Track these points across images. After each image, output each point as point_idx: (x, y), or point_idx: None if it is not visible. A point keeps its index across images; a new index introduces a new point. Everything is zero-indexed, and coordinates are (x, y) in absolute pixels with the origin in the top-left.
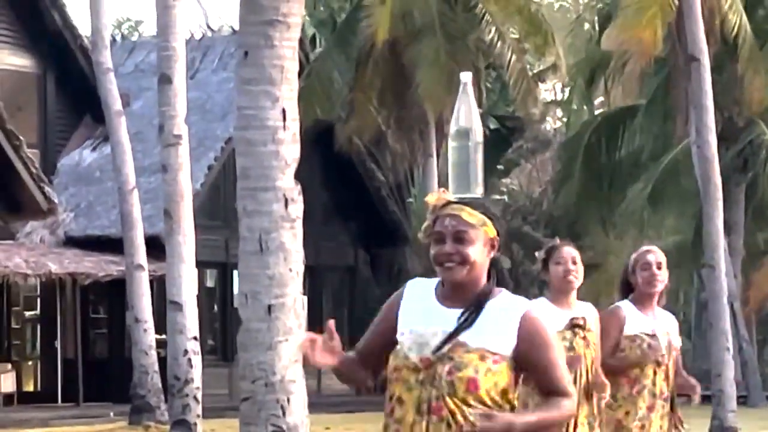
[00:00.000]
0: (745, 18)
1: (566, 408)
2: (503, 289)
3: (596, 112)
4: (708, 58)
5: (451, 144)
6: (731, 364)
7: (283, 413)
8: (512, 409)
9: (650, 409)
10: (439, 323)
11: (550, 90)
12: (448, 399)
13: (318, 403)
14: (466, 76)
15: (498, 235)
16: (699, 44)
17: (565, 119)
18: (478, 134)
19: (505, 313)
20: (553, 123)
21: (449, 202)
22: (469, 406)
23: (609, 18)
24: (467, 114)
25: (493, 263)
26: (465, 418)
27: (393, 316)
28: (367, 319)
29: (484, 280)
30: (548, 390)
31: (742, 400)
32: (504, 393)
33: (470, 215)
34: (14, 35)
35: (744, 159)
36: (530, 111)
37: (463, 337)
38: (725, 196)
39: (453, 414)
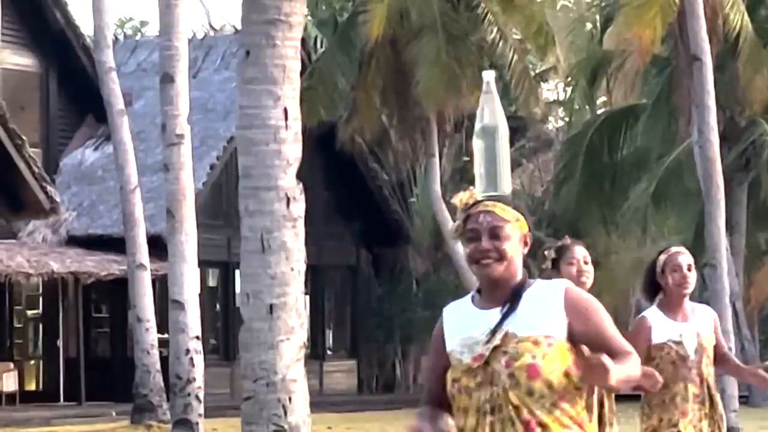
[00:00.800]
0: (747, 17)
1: (638, 364)
2: (536, 279)
3: (598, 112)
4: (710, 57)
5: (477, 142)
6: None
7: (285, 412)
8: (581, 396)
9: (683, 414)
10: (483, 323)
11: (552, 90)
12: (511, 393)
13: (320, 402)
14: (488, 75)
15: (529, 230)
16: (701, 44)
17: (567, 119)
18: (503, 132)
19: (546, 297)
20: (555, 123)
21: (480, 200)
22: (533, 399)
23: (610, 17)
24: (492, 112)
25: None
26: (531, 412)
27: (441, 345)
28: (370, 318)
29: (519, 276)
30: (612, 355)
31: (744, 400)
32: (567, 375)
33: (504, 211)
34: (17, 34)
35: (746, 159)
36: (532, 111)
37: (510, 328)
38: (727, 195)
39: (517, 409)
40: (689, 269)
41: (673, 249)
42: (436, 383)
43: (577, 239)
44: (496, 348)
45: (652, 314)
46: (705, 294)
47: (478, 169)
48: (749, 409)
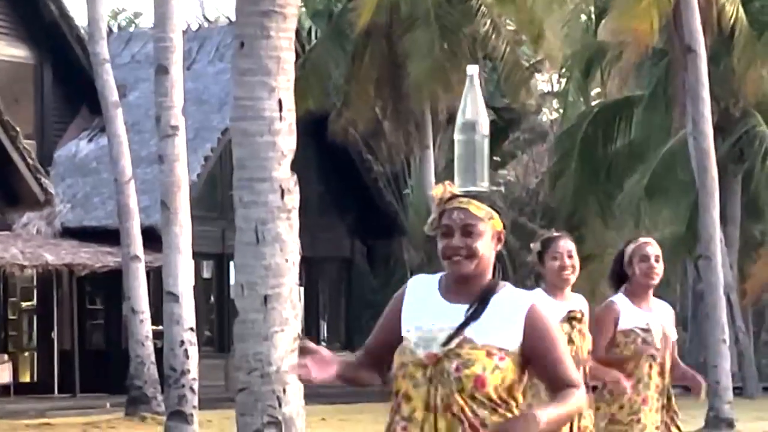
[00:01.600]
0: (741, 9)
1: (580, 399)
2: (507, 283)
3: (593, 103)
4: (704, 49)
5: (457, 137)
6: (727, 355)
7: (279, 404)
8: (517, 404)
9: (644, 402)
10: (445, 319)
11: (546, 81)
12: (456, 396)
13: (314, 394)
14: (472, 69)
15: (504, 228)
16: (695, 35)
17: (561, 110)
18: (484, 127)
19: (510, 308)
20: (549, 114)
21: (456, 195)
22: (477, 402)
23: (605, 9)
24: (473, 107)
25: (497, 257)
26: (474, 413)
27: (397, 313)
28: (364, 310)
29: (489, 274)
30: (557, 383)
31: (738, 392)
32: (510, 389)
33: (478, 208)
34: (11, 26)
35: (740, 150)
36: (526, 102)
37: (469, 333)
38: (721, 187)
39: (462, 410)
40: (657, 260)
41: (642, 239)
42: (378, 341)
43: (570, 231)
44: (450, 349)
45: (620, 300)
46: (699, 286)
47: (458, 163)
48: (743, 400)
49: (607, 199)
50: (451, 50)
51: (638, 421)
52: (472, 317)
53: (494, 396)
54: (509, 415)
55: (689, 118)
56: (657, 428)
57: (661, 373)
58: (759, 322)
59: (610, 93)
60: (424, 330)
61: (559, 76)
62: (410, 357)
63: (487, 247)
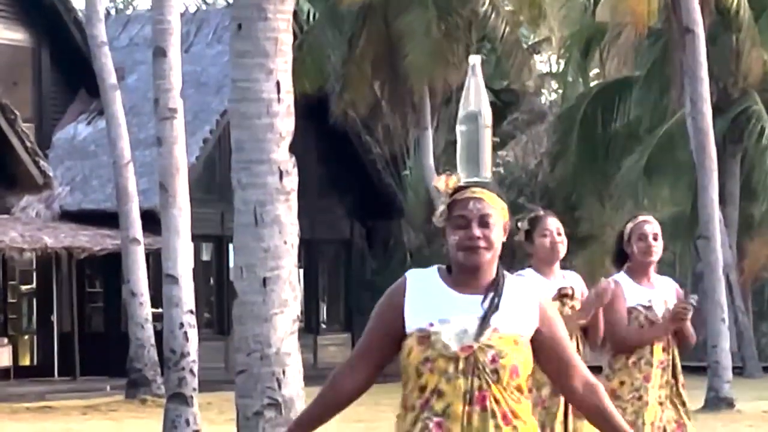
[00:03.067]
0: None
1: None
2: (504, 271)
3: (592, 84)
4: (702, 29)
5: (460, 127)
6: (727, 335)
7: (279, 386)
8: (528, 391)
9: (646, 379)
10: (465, 311)
11: (545, 62)
12: (493, 387)
13: (314, 376)
14: (474, 59)
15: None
16: (693, 15)
17: (560, 91)
18: (486, 118)
19: (522, 296)
20: (548, 95)
21: (466, 186)
22: (508, 392)
23: None
24: (476, 97)
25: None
26: (506, 404)
27: (398, 310)
28: (364, 292)
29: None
30: (568, 369)
31: (738, 371)
32: (529, 376)
33: (491, 199)
34: (8, 9)
35: (739, 130)
36: (525, 83)
37: (494, 323)
38: (720, 167)
39: (497, 402)
40: (655, 238)
41: (641, 218)
42: (378, 346)
43: (569, 212)
44: (484, 341)
45: (622, 278)
46: (698, 266)
47: (461, 154)
48: (743, 380)
49: (606, 180)
50: (448, 31)
51: (639, 398)
52: (492, 307)
53: (523, 385)
54: (527, 403)
55: (687, 99)
56: (661, 404)
57: (666, 349)
58: (759, 302)
59: (608, 73)
60: (452, 323)
61: (558, 57)
62: (441, 351)
63: (499, 238)
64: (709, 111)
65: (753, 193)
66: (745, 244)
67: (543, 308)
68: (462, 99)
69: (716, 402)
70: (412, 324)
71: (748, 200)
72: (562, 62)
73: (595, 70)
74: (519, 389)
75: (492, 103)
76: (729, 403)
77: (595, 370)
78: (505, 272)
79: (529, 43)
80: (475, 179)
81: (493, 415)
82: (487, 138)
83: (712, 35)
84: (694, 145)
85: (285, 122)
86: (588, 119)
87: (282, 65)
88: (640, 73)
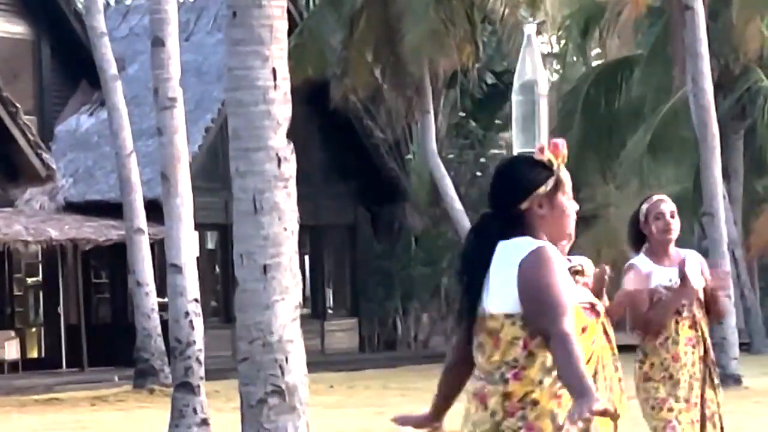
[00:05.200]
0: None
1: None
2: None
3: (593, 64)
4: (702, 6)
5: (516, 98)
6: (733, 311)
7: (282, 373)
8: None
9: (674, 358)
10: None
11: (545, 43)
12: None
13: (321, 362)
14: (530, 28)
15: None
16: None
17: (561, 71)
18: (543, 87)
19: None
20: (550, 75)
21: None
22: None
23: None
24: (532, 66)
25: None
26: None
27: None
28: (370, 277)
29: None
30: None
31: (745, 348)
32: None
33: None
34: (7, 2)
35: (742, 106)
36: None
37: None
38: (723, 144)
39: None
40: (672, 216)
41: (655, 197)
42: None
43: (575, 192)
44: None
45: (641, 261)
46: (704, 243)
47: (516, 124)
48: (750, 356)
49: (610, 159)
50: (447, 13)
51: (670, 377)
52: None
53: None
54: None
55: (689, 76)
56: (696, 380)
57: (693, 326)
58: (765, 278)
59: (609, 53)
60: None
61: (558, 38)
62: (587, 320)
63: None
64: (710, 88)
65: (758, 170)
66: (751, 221)
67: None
68: (517, 69)
69: (723, 378)
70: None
71: (753, 177)
72: (562, 43)
73: (596, 50)
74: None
75: (494, 85)
76: (736, 380)
77: (628, 349)
78: None
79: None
80: (531, 150)
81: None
82: (543, 107)
83: (712, 12)
84: (696, 123)
85: (282, 109)
86: (591, 99)
87: (277, 52)
88: (642, 52)
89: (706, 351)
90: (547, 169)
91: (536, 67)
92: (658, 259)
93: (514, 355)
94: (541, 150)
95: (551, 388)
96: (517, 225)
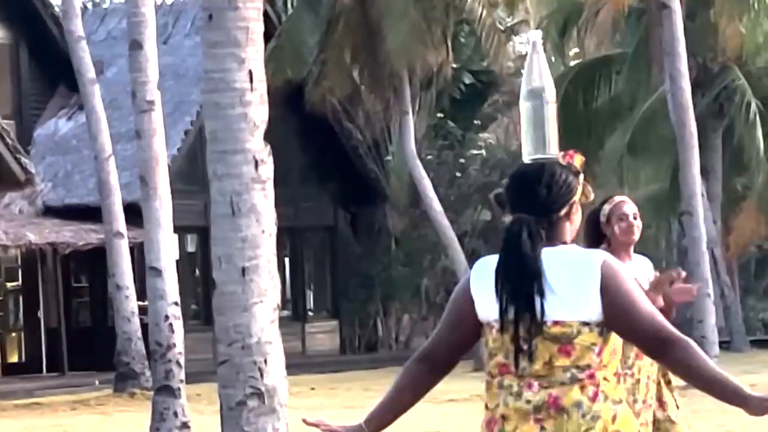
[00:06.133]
0: None
1: None
2: None
3: (571, 64)
4: (679, 4)
5: (524, 104)
6: (712, 310)
7: (261, 375)
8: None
9: (638, 356)
10: None
11: (524, 43)
12: None
13: (303, 363)
14: (535, 35)
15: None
16: None
17: None
18: (550, 93)
19: None
20: None
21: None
22: None
23: None
24: (540, 73)
25: None
26: None
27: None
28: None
29: None
30: None
31: (726, 346)
32: None
33: None
34: None
35: (720, 105)
36: (504, 65)
37: None
38: (702, 142)
39: None
40: (635, 217)
41: (617, 198)
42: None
43: None
44: None
45: None
46: (683, 241)
47: (526, 132)
48: (730, 354)
49: (589, 159)
50: (425, 13)
51: (632, 375)
52: None
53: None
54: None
55: (667, 75)
56: (654, 381)
57: None
58: (745, 276)
59: (587, 52)
60: None
61: None
62: None
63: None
64: (688, 87)
65: (738, 168)
66: (730, 219)
67: None
68: (524, 75)
69: None
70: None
71: (733, 175)
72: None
73: (575, 50)
74: None
75: (472, 85)
76: None
77: None
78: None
79: (507, 24)
80: (541, 156)
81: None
82: (552, 114)
83: (690, 11)
84: (675, 121)
85: (258, 111)
86: (569, 98)
87: (254, 54)
88: (620, 51)
89: None
90: (575, 175)
91: (543, 73)
92: (619, 260)
93: (588, 360)
94: (571, 156)
95: (617, 387)
96: (556, 231)
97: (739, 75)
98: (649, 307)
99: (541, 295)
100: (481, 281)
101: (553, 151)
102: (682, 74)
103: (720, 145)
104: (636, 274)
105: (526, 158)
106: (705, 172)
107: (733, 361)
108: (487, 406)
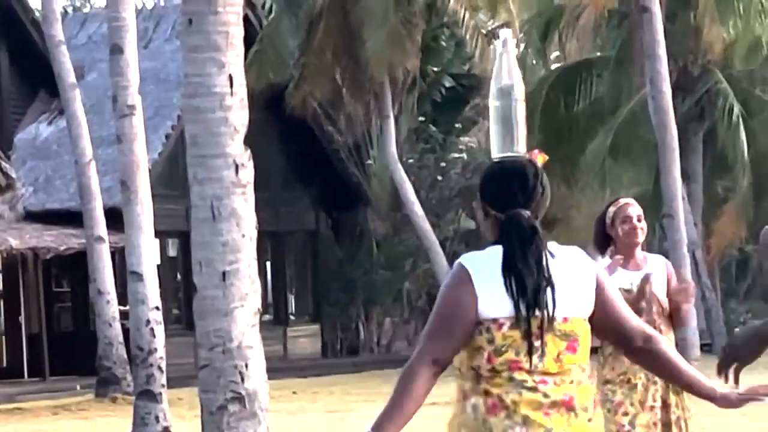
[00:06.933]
0: None
1: None
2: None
3: (552, 67)
4: (659, 8)
5: (493, 103)
6: (693, 312)
7: (242, 379)
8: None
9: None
10: None
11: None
12: None
13: (284, 367)
14: (506, 33)
15: (485, 196)
16: None
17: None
18: (519, 92)
19: None
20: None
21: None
22: None
23: None
24: (509, 71)
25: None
26: None
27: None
28: (332, 282)
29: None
30: None
31: (707, 348)
32: None
33: None
34: None
35: (701, 108)
36: (488, 68)
37: None
38: (683, 145)
39: None
40: (639, 219)
41: (622, 200)
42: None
43: None
44: None
45: (605, 263)
46: (664, 244)
47: (495, 130)
48: (711, 356)
49: (570, 162)
50: (406, 17)
51: (627, 381)
52: None
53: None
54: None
55: (647, 78)
56: (654, 383)
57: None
58: (726, 278)
59: (569, 56)
60: None
61: (517, 41)
62: None
63: (480, 221)
64: (668, 89)
65: (718, 171)
66: (711, 222)
67: None
68: (494, 74)
69: None
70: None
71: (713, 178)
72: (522, 46)
73: (556, 53)
74: None
75: (453, 89)
76: None
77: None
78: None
79: (489, 28)
80: (508, 154)
81: None
82: (521, 112)
83: (671, 14)
84: (656, 124)
85: (239, 115)
86: (550, 102)
87: (234, 59)
88: (602, 55)
89: None
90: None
91: (512, 71)
92: (623, 262)
93: (587, 358)
94: (535, 156)
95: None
96: (542, 228)
97: (720, 78)
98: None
99: (552, 290)
100: (485, 278)
101: (521, 149)
102: (663, 77)
103: (701, 148)
104: (635, 278)
105: (495, 156)
106: (686, 175)
107: (714, 364)
108: (487, 392)
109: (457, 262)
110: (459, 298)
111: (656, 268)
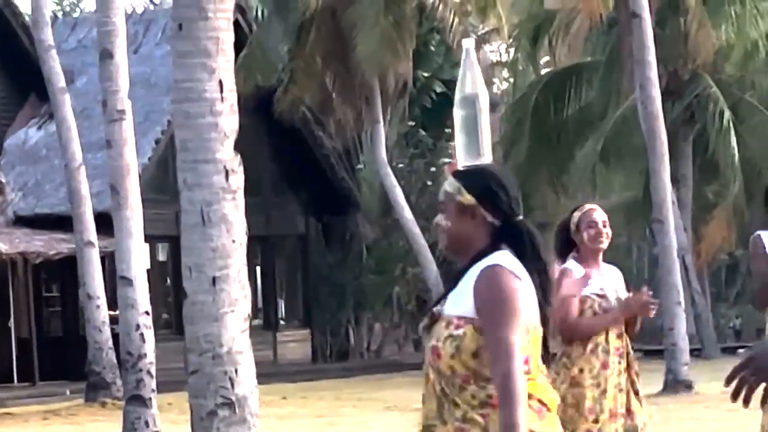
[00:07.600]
0: None
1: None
2: (498, 253)
3: (543, 72)
4: (649, 13)
5: (458, 112)
6: (683, 317)
7: (232, 384)
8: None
9: (604, 366)
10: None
11: (495, 51)
12: (429, 369)
13: (274, 372)
14: (468, 43)
15: (480, 201)
16: (639, 0)
17: (511, 80)
18: (484, 101)
19: (470, 276)
20: (499, 84)
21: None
22: (444, 377)
23: None
24: (473, 81)
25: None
26: (442, 390)
27: None
28: (322, 287)
29: (476, 247)
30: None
31: (697, 353)
32: (475, 355)
33: (447, 184)
34: None
35: (691, 113)
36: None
37: (442, 307)
38: (673, 150)
39: (433, 385)
40: (604, 225)
41: (587, 206)
42: None
43: (525, 200)
44: (426, 327)
45: (573, 266)
46: (654, 249)
47: (459, 138)
48: (702, 361)
49: (560, 167)
50: (396, 22)
51: (598, 385)
52: (448, 291)
53: (455, 367)
54: (482, 396)
55: (637, 83)
56: (621, 390)
57: (620, 336)
58: (716, 283)
59: (559, 61)
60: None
61: (508, 46)
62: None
63: (454, 222)
64: (658, 95)
65: (708, 176)
66: (701, 227)
67: (477, 285)
68: (458, 84)
69: (674, 385)
70: None
71: (703, 183)
72: (512, 51)
73: (546, 58)
74: (457, 372)
75: (443, 94)
76: (687, 386)
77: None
78: (496, 253)
79: (479, 33)
80: (473, 164)
81: (430, 398)
82: (485, 121)
83: (660, 19)
84: (645, 129)
85: (229, 121)
86: (540, 107)
87: (224, 64)
88: (592, 60)
89: (629, 363)
90: None
91: (476, 81)
92: (588, 267)
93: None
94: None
95: None
96: None
97: (710, 83)
98: None
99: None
100: (525, 286)
101: (487, 158)
102: (652, 82)
103: (691, 153)
104: (605, 283)
105: (460, 165)
106: (676, 180)
107: (704, 369)
108: (541, 400)
109: (505, 269)
110: (524, 305)
111: (615, 278)
